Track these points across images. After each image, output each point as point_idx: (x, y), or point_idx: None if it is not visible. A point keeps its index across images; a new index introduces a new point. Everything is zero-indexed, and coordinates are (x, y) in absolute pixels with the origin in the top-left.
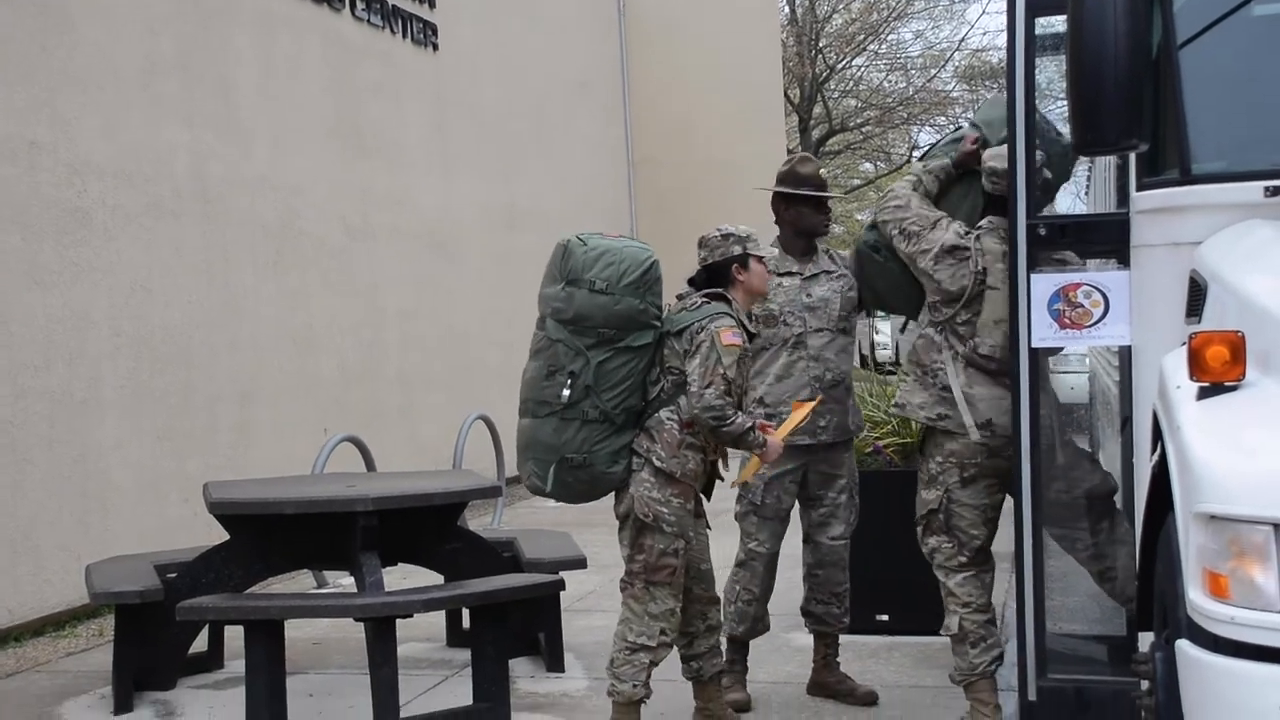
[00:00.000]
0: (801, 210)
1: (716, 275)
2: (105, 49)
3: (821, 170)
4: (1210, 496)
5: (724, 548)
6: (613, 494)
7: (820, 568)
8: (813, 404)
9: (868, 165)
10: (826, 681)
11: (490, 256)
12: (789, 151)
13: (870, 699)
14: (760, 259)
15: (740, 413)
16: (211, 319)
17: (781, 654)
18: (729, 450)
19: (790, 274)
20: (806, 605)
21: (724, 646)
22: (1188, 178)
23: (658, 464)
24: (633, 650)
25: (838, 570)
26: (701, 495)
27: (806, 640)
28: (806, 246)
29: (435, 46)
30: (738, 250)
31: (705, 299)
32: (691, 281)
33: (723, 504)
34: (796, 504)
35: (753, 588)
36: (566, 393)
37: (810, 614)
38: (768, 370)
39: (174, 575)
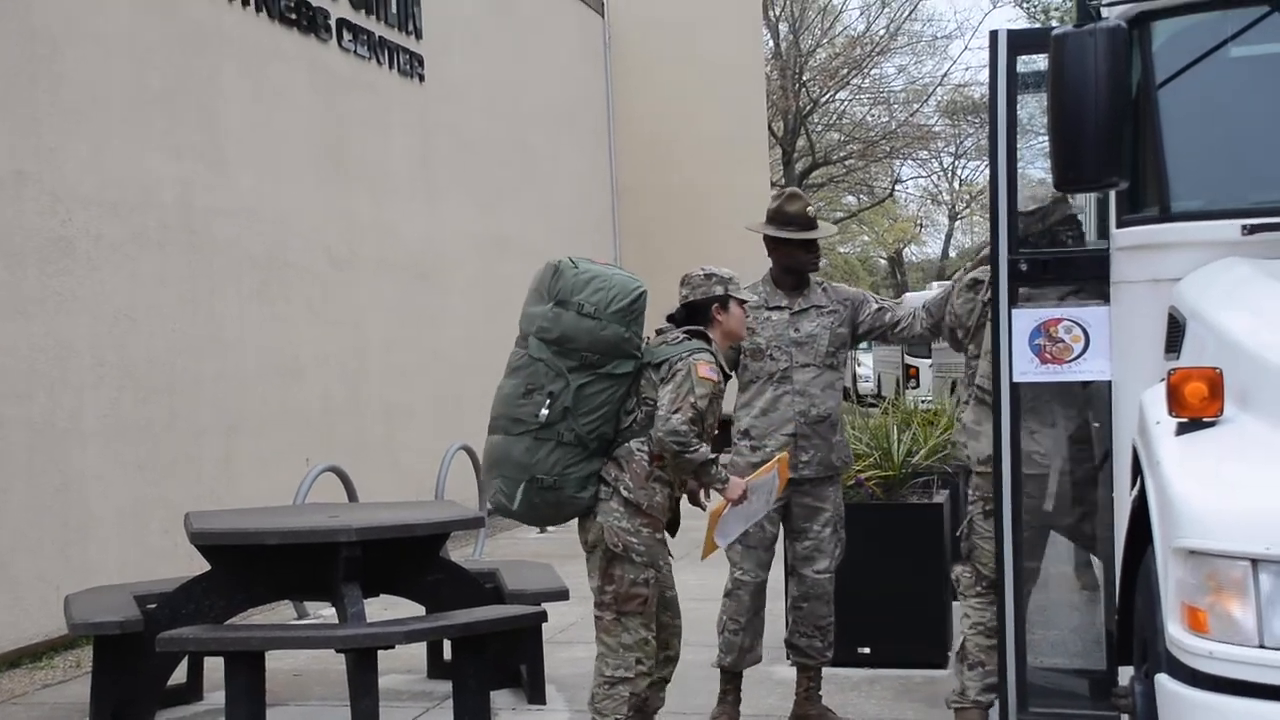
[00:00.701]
0: (789, 249)
1: (696, 314)
2: (92, 79)
3: (809, 208)
4: (1189, 531)
5: (708, 579)
6: (577, 522)
7: (805, 601)
8: (782, 458)
9: (851, 198)
10: (808, 714)
11: (475, 286)
12: (773, 184)
13: None
14: (741, 302)
15: (704, 445)
16: (196, 349)
17: (764, 686)
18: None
19: (779, 308)
20: (790, 638)
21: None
22: (1167, 215)
23: (625, 494)
24: (611, 684)
25: (822, 604)
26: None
27: (789, 673)
28: (797, 282)
29: (421, 78)
30: (719, 291)
31: (686, 335)
32: (671, 318)
33: (697, 534)
34: (781, 534)
35: (739, 617)
36: (545, 412)
37: (794, 646)
38: (754, 403)
39: (154, 606)
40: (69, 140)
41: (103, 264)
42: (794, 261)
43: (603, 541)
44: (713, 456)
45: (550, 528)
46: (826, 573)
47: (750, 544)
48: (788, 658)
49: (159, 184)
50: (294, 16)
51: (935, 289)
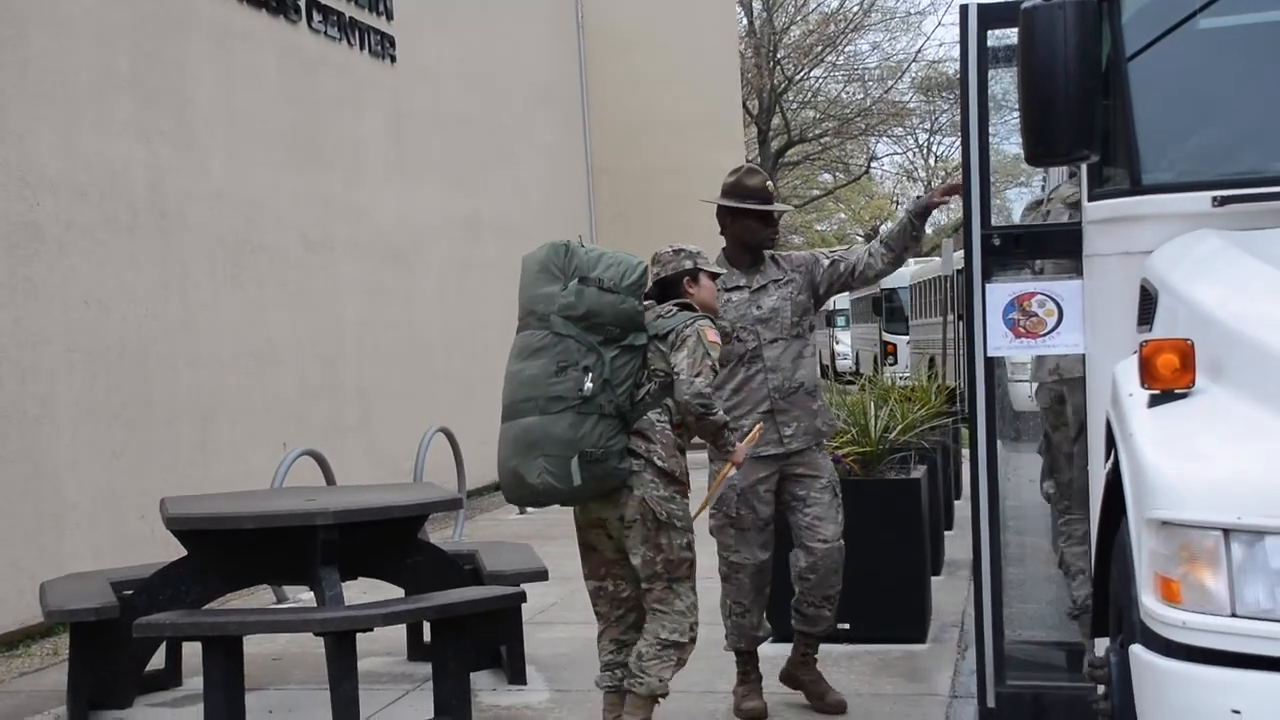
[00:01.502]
0: (747, 223)
1: (668, 290)
2: (59, 62)
3: (768, 183)
4: (1161, 502)
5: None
6: (577, 507)
7: (813, 572)
8: (758, 428)
9: (826, 176)
10: (801, 678)
11: (450, 267)
12: (747, 162)
13: (840, 708)
14: (713, 275)
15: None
16: (169, 334)
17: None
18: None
19: (738, 288)
20: (798, 605)
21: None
22: (1138, 188)
23: (659, 464)
24: (664, 646)
25: (833, 574)
26: None
27: (777, 650)
28: (753, 259)
29: (393, 59)
30: (689, 265)
31: (677, 307)
32: (647, 296)
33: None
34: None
35: (742, 600)
36: (589, 385)
37: (802, 614)
38: (727, 385)
39: (130, 592)
40: (36, 124)
41: (73, 249)
42: (751, 236)
43: (644, 514)
44: (727, 420)
45: (530, 509)
46: (834, 540)
47: (744, 526)
48: (793, 622)
49: (128, 168)
50: None
51: (912, 264)
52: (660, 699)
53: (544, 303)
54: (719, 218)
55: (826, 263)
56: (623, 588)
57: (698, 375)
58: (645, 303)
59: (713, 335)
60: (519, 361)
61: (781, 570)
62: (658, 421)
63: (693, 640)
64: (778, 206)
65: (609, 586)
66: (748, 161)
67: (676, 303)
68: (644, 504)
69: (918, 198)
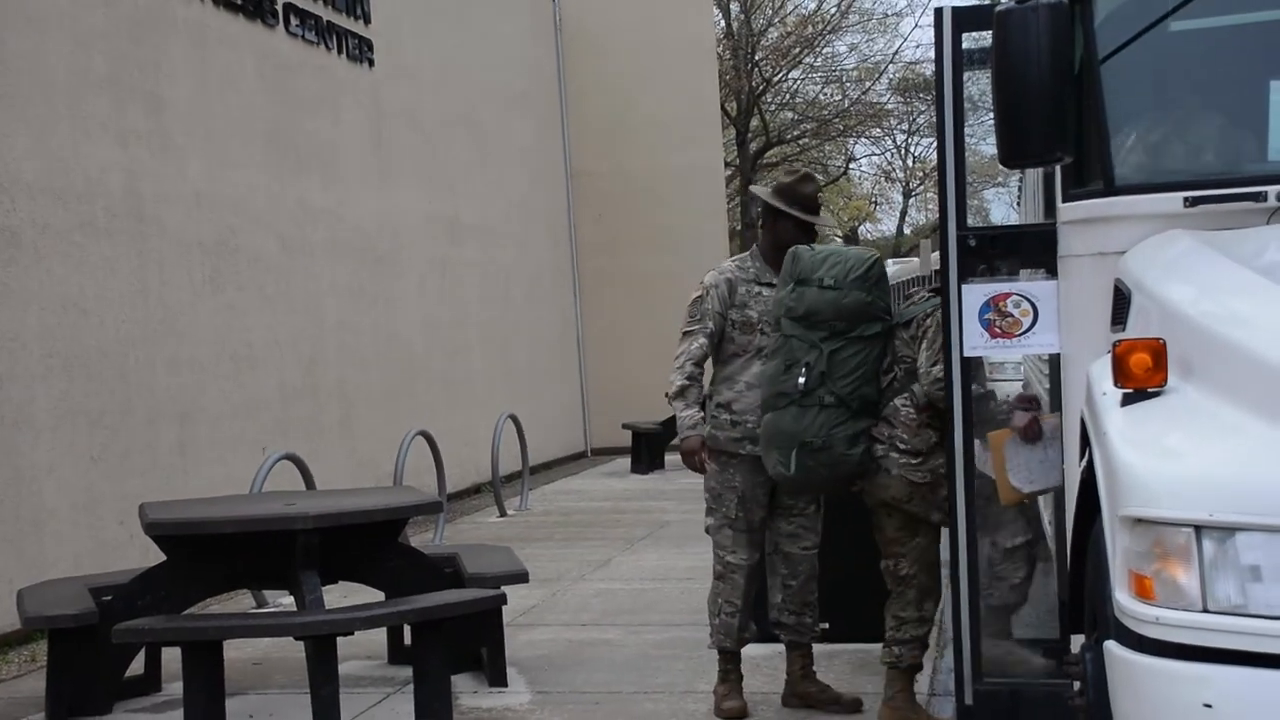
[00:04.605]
0: (787, 226)
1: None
2: (34, 64)
3: (819, 194)
4: (1134, 500)
5: (668, 558)
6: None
7: (794, 578)
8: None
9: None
10: (808, 692)
11: (430, 269)
12: (727, 164)
13: (857, 704)
14: None
15: None
16: (147, 338)
17: (745, 666)
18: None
19: (770, 284)
20: (779, 616)
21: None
22: (1111, 189)
23: (903, 446)
24: (919, 624)
25: (811, 580)
26: None
27: (765, 651)
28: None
29: (371, 62)
30: None
31: (930, 293)
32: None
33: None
34: None
35: (735, 599)
36: (802, 380)
37: (783, 625)
38: (738, 377)
39: (109, 598)
40: (11, 127)
41: (50, 253)
42: (788, 239)
43: (914, 487)
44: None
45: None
46: (814, 549)
47: (741, 528)
48: (776, 637)
49: (105, 171)
50: (239, 1)
51: (891, 265)
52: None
53: (776, 308)
54: (764, 213)
55: None
56: (902, 566)
57: (935, 364)
58: (914, 291)
59: None
60: (765, 364)
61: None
62: (902, 407)
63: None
64: (821, 220)
65: (890, 565)
66: (729, 164)
67: (932, 289)
68: (904, 480)
69: None
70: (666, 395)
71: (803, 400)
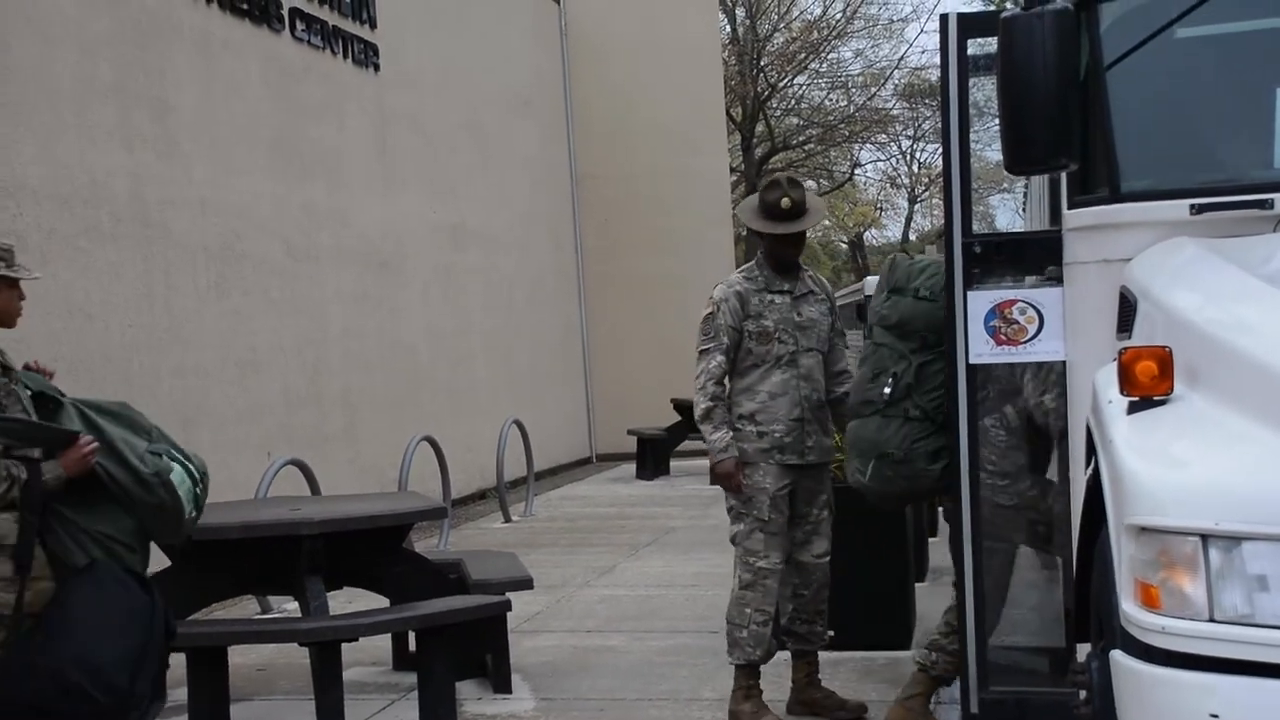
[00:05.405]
0: (769, 237)
1: None
2: (41, 71)
3: (785, 198)
4: (1140, 508)
5: (674, 565)
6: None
7: (806, 587)
8: None
9: (811, 183)
10: (813, 699)
11: (434, 274)
12: (733, 170)
13: (862, 709)
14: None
15: None
16: (152, 343)
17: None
18: None
19: (782, 292)
20: (790, 625)
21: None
22: (1117, 196)
23: (990, 467)
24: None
25: (824, 588)
26: None
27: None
28: (788, 268)
29: (376, 67)
30: None
31: None
32: None
33: (656, 521)
34: None
35: (766, 607)
36: (887, 390)
37: (794, 634)
38: (759, 387)
39: None
40: (18, 133)
41: (55, 258)
42: (778, 248)
43: (987, 516)
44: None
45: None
46: (825, 556)
47: (772, 530)
48: (784, 646)
49: (111, 176)
50: (245, 6)
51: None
52: None
53: (871, 315)
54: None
55: (833, 320)
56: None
57: (1044, 393)
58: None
59: None
60: (856, 369)
61: None
62: (991, 428)
63: None
64: (786, 226)
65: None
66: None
67: None
68: (989, 502)
69: None
70: (673, 405)
71: (887, 410)
